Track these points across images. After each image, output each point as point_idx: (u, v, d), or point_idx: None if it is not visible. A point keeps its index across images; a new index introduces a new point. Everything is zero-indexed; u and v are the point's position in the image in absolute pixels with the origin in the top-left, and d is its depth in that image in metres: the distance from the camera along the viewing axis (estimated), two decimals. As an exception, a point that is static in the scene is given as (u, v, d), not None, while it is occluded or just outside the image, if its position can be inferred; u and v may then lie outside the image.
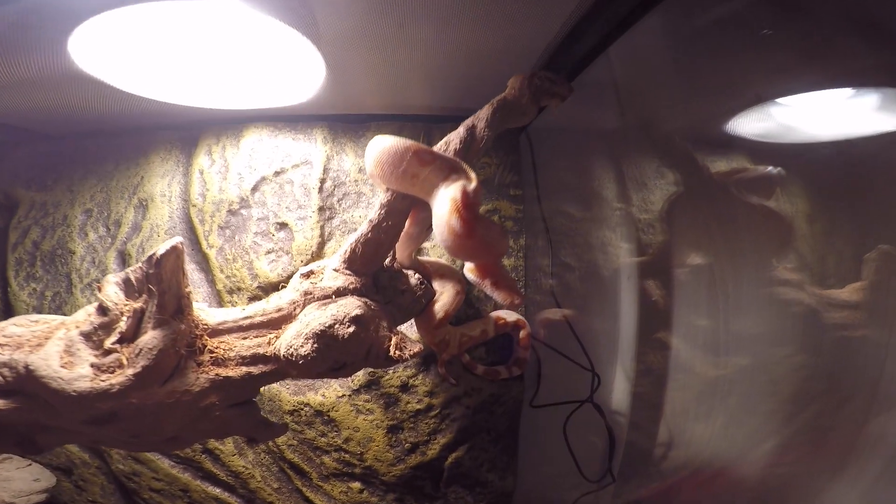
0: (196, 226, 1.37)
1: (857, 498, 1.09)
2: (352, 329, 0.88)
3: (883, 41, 0.95)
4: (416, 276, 1.16)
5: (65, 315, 1.30)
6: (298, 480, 1.39)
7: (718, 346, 1.35)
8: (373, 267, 1.02)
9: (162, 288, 0.84)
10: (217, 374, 0.88)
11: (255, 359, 0.91)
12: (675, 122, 1.29)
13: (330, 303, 0.93)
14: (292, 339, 0.87)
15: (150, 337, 0.82)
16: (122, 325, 0.83)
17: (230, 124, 1.44)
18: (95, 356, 0.80)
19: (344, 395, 1.35)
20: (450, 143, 1.01)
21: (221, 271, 1.34)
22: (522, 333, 1.35)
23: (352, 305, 0.92)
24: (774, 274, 1.23)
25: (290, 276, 1.30)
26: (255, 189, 1.37)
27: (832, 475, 1.13)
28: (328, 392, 1.35)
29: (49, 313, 1.33)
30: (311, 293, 0.94)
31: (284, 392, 1.36)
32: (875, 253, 1.06)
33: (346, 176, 1.38)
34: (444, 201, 0.90)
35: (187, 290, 0.89)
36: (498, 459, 1.42)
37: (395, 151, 0.92)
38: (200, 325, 0.92)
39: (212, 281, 1.35)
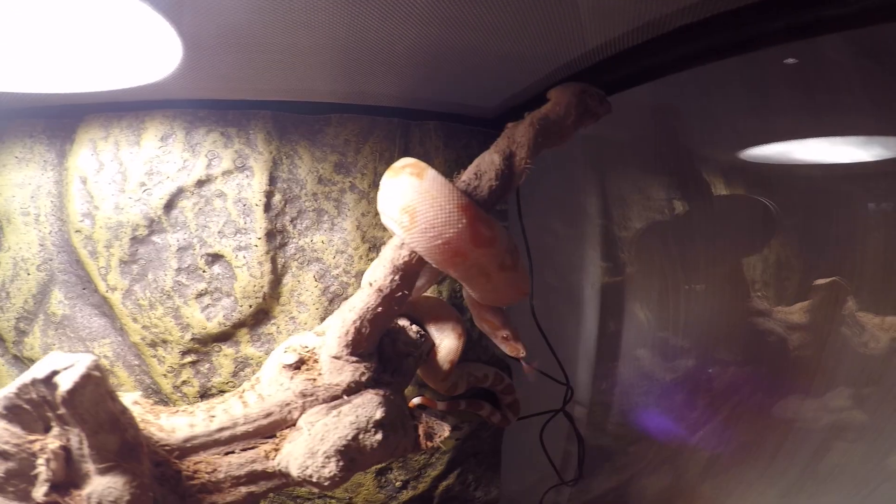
0: (85, 260, 0.99)
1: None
2: (380, 436, 0.73)
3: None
4: (413, 326, 0.98)
5: None
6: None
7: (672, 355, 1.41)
8: (377, 342, 0.81)
9: (90, 428, 0.58)
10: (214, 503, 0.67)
11: (253, 477, 0.71)
12: (690, 143, 1.23)
13: (342, 404, 0.73)
14: (306, 459, 0.68)
15: (106, 487, 0.59)
16: (44, 471, 0.57)
17: (124, 110, 1.03)
18: (26, 510, 0.54)
19: (310, 450, 1.15)
20: (482, 175, 0.79)
21: (135, 320, 1.00)
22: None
23: (372, 406, 0.74)
24: (751, 304, 1.28)
25: (237, 325, 1.02)
26: (170, 206, 1.01)
27: (767, 464, 1.27)
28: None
29: None
30: (312, 395, 0.73)
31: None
32: (826, 281, 1.17)
33: (300, 187, 1.08)
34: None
35: (126, 416, 0.62)
36: (483, 477, 1.37)
37: (443, 207, 0.70)
38: (160, 450, 0.66)
39: (121, 329, 1.01)
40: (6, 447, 0.58)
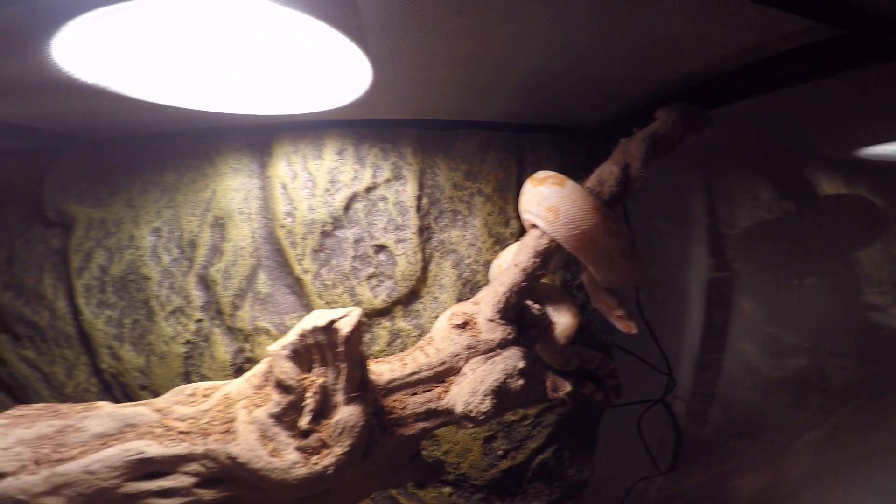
0: (286, 248, 1.29)
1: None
2: (521, 381, 0.91)
3: None
4: (535, 305, 1.16)
5: (151, 344, 1.24)
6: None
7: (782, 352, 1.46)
8: (516, 312, 1.01)
9: (352, 364, 0.81)
10: (401, 435, 0.88)
11: (428, 414, 0.91)
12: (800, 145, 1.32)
13: (495, 356, 0.93)
14: (469, 397, 0.87)
15: (349, 414, 0.80)
16: (311, 402, 0.80)
17: (304, 129, 1.33)
18: (293, 438, 0.78)
19: (445, 412, 1.37)
20: (604, 182, 0.98)
21: (320, 297, 1.28)
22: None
23: (516, 357, 0.93)
24: (865, 298, 1.32)
25: (395, 302, 1.27)
26: (347, 207, 1.29)
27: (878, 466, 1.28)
28: (430, 409, 1.37)
29: (130, 341, 1.25)
30: (474, 347, 0.94)
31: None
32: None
33: (440, 192, 1.32)
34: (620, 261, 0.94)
35: (364, 357, 0.86)
36: (578, 456, 1.50)
37: (581, 206, 0.90)
38: (374, 388, 0.89)
39: (307, 305, 1.30)
40: (292, 382, 0.78)
